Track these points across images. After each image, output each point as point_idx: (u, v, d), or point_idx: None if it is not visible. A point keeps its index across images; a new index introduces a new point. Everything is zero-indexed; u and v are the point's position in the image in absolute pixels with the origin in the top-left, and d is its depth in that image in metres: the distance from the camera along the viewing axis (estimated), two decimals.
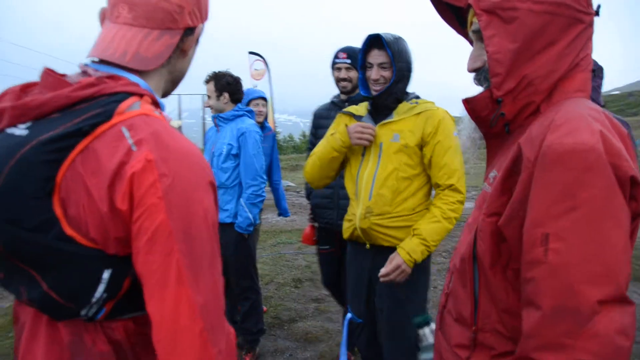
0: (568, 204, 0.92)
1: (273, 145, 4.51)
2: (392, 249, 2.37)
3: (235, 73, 3.70)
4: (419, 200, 2.41)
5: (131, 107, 0.97)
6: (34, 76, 1.03)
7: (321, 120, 3.69)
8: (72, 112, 0.93)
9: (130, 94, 0.99)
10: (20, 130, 0.93)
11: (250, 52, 13.46)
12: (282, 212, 4.86)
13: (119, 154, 0.91)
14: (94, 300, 0.94)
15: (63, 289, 0.93)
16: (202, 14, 1.14)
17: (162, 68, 1.11)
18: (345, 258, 2.76)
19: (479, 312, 1.17)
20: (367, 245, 2.49)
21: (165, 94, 1.20)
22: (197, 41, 1.18)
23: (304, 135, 40.10)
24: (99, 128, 0.92)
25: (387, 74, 2.40)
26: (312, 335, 4.17)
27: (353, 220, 2.49)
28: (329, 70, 3.46)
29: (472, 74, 1.26)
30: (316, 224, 3.70)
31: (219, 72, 3.63)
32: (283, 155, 27.37)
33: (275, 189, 4.73)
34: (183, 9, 1.07)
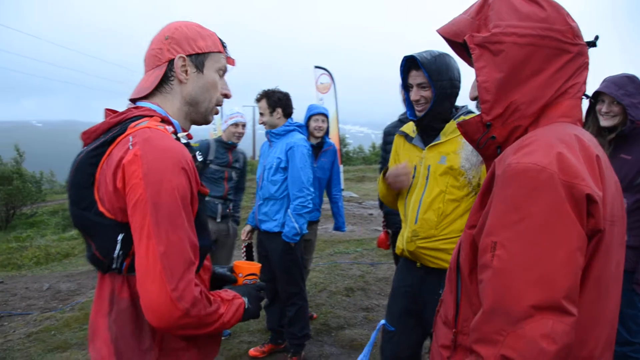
0: (515, 217, 1.03)
1: (334, 160, 4.62)
2: (440, 270, 2.37)
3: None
4: None
5: (141, 123, 1.37)
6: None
7: (389, 137, 3.99)
8: (109, 131, 1.40)
9: (144, 116, 1.41)
10: (86, 147, 1.41)
11: (316, 67, 13.78)
12: (339, 226, 4.90)
13: (122, 152, 1.31)
14: (115, 255, 1.33)
15: (101, 249, 1.35)
16: (182, 48, 1.47)
17: (167, 94, 1.49)
18: None
19: (460, 315, 1.28)
20: (418, 264, 2.49)
21: (196, 118, 1.57)
22: (200, 69, 1.50)
23: (373, 147, 40.08)
24: (117, 139, 1.35)
25: (426, 93, 2.36)
26: (358, 342, 4.28)
27: (401, 242, 2.52)
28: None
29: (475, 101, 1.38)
30: (389, 230, 4.01)
31: (269, 89, 3.84)
32: (352, 166, 27.53)
33: (334, 203, 4.80)
34: (162, 49, 1.47)
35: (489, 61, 1.20)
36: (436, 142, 2.42)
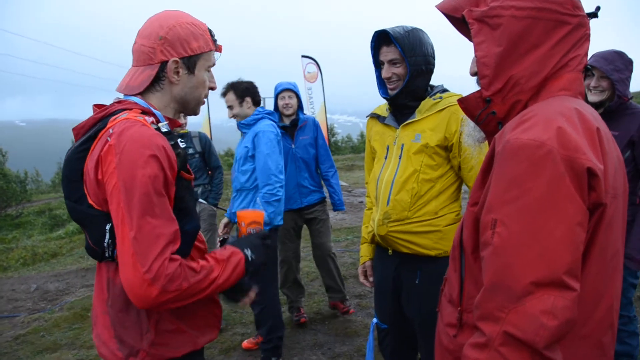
0: (514, 194, 1.02)
1: (316, 136, 4.38)
2: (414, 256, 2.26)
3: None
4: (442, 203, 2.24)
5: (120, 116, 1.42)
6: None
7: None
8: (95, 126, 1.46)
9: (126, 109, 1.45)
10: (76, 143, 1.47)
11: (303, 56, 13.78)
12: (337, 206, 4.56)
13: (102, 145, 1.37)
14: (105, 244, 1.40)
15: (94, 239, 1.43)
16: (176, 50, 1.48)
17: (157, 92, 1.52)
18: None
19: (464, 294, 1.27)
20: (390, 251, 2.37)
21: (185, 113, 1.62)
22: (192, 71, 1.52)
23: (361, 136, 40.26)
24: (100, 133, 1.41)
25: (399, 70, 2.23)
26: (352, 330, 4.25)
27: (372, 226, 2.41)
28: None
29: (474, 77, 1.34)
30: None
31: (234, 81, 3.68)
32: (340, 155, 27.55)
33: (326, 181, 4.50)
34: (155, 49, 1.47)
35: (488, 35, 1.18)
36: (411, 120, 2.28)
